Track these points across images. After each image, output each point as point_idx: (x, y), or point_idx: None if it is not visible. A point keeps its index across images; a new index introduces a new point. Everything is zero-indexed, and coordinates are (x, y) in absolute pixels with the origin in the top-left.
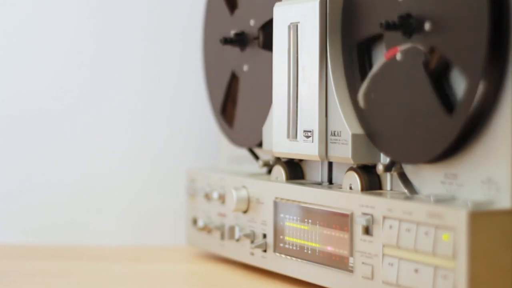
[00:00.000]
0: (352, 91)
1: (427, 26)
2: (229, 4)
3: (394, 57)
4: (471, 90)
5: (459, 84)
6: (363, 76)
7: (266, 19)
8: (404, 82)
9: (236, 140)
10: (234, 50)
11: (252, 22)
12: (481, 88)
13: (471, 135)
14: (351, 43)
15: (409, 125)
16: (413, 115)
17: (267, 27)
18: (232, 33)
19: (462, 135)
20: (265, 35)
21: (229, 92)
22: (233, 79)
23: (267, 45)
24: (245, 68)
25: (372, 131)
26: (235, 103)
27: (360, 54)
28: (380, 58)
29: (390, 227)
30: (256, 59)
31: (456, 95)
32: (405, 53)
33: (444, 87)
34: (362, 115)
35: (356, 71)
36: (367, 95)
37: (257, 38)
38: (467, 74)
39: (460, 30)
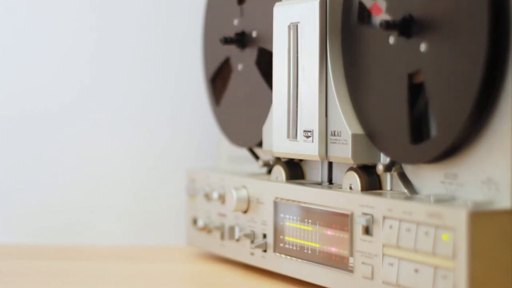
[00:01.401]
0: (352, 91)
1: (422, 47)
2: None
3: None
4: (443, 140)
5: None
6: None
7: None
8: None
9: (236, 140)
10: (234, 51)
11: (254, 34)
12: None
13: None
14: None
15: (409, 125)
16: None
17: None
18: (233, 33)
19: (472, 119)
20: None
21: (221, 68)
22: (226, 63)
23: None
24: (239, 67)
25: (372, 131)
26: (234, 101)
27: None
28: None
29: (390, 227)
30: (256, 58)
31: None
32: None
33: (422, 108)
34: (362, 115)
35: (355, 69)
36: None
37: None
38: (440, 129)
39: (450, 81)
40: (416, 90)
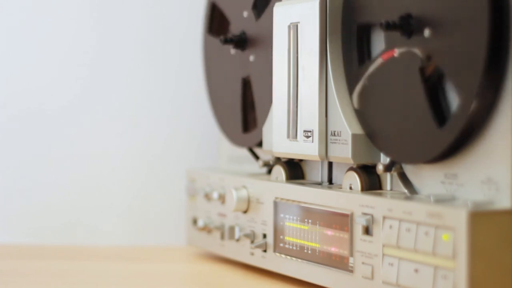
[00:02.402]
0: (352, 91)
1: (426, 32)
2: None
3: (392, 58)
4: (463, 108)
5: (454, 95)
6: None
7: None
8: (402, 82)
9: (236, 140)
10: (234, 52)
11: (245, 14)
12: (474, 105)
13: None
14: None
15: (409, 125)
16: (412, 115)
17: (258, 3)
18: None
19: (453, 146)
20: (259, 10)
21: (245, 101)
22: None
23: (264, 18)
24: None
25: (372, 131)
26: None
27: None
28: (378, 58)
29: (390, 227)
30: (256, 58)
31: (450, 106)
32: (402, 54)
33: (439, 96)
34: (362, 115)
35: (356, 70)
36: (361, 95)
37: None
38: (460, 92)
39: (458, 44)
40: (416, 90)
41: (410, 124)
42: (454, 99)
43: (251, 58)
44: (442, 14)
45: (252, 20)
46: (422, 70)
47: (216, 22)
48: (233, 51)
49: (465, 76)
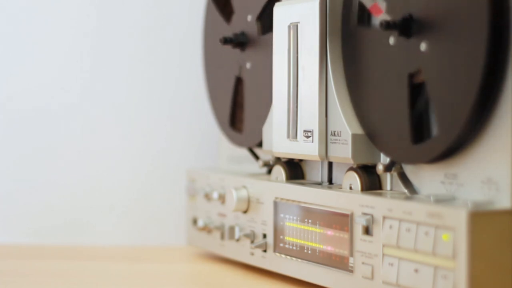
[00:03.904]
0: (352, 91)
1: (423, 46)
2: (224, 13)
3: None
4: (444, 139)
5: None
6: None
7: (261, 8)
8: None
9: (236, 140)
10: (234, 52)
11: (249, 18)
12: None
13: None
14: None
15: (409, 125)
16: (412, 115)
17: (263, 16)
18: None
19: (472, 120)
20: (262, 23)
21: (236, 99)
22: (238, 84)
23: (266, 30)
24: (248, 66)
25: (372, 131)
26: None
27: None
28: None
29: (390, 227)
30: (256, 58)
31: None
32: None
33: (423, 108)
34: (362, 115)
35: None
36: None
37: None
38: (442, 128)
39: (450, 81)
40: (416, 90)
41: (411, 124)
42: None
43: (248, 64)
44: (440, 31)
45: (254, 27)
46: (410, 76)
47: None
48: (232, 51)
49: (449, 111)
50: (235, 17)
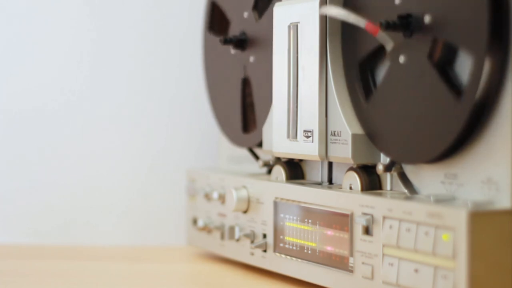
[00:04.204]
0: (352, 91)
1: (427, 19)
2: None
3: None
4: (477, 67)
5: (464, 71)
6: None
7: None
8: (407, 82)
9: (236, 140)
10: (236, 56)
11: (245, 14)
12: (487, 64)
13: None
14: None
15: (409, 125)
16: (414, 115)
17: (258, 4)
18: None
19: (471, 120)
20: (258, 10)
21: (244, 101)
22: (245, 85)
23: (262, 14)
24: (251, 60)
25: (372, 131)
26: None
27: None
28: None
29: (390, 227)
30: (256, 58)
31: (462, 83)
32: (407, 54)
33: (450, 76)
34: (362, 115)
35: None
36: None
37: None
38: (472, 50)
39: (460, 14)
40: (416, 90)
41: (414, 121)
42: (464, 76)
43: (251, 58)
44: None
45: (252, 21)
46: (430, 56)
47: (216, 21)
48: (233, 51)
49: (473, 34)
50: (232, 25)
